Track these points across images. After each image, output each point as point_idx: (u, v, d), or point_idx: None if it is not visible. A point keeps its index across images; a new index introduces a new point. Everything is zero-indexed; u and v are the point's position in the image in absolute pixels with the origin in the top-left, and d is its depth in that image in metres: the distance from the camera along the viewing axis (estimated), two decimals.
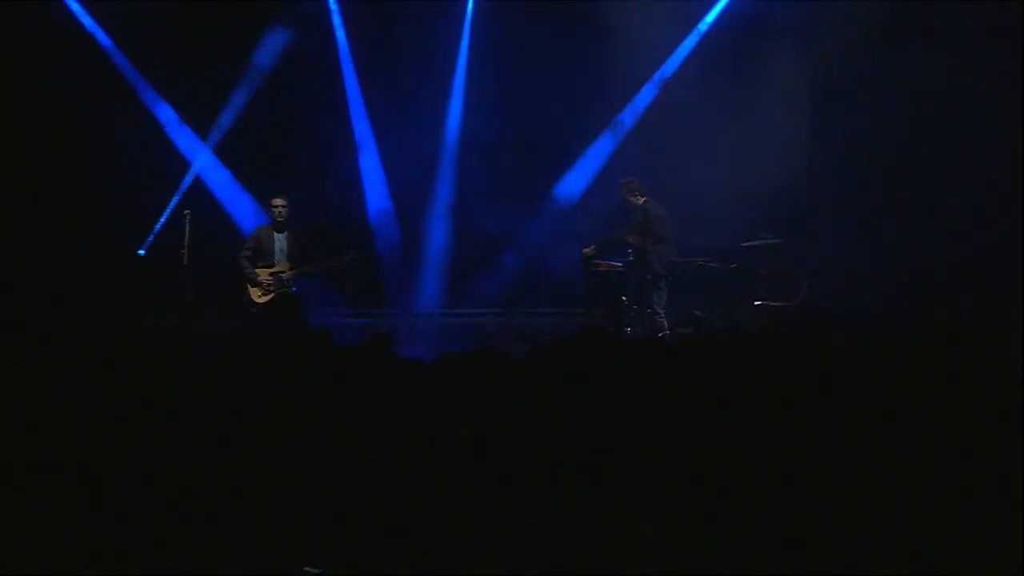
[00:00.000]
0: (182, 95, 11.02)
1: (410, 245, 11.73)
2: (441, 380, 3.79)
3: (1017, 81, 9.87)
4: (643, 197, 9.70)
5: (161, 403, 3.61)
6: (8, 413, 3.30)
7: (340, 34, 11.58)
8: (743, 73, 10.87)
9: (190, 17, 10.71)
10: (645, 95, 11.71)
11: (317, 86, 11.39)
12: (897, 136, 10.53)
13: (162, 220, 10.85)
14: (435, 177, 11.75)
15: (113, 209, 10.59)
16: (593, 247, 9.68)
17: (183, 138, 11.19)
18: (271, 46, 11.17)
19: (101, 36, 10.91)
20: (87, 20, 10.90)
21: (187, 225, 9.02)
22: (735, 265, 9.63)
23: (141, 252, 10.74)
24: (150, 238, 10.82)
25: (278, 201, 9.37)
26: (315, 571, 2.66)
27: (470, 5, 11.67)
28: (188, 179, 11.08)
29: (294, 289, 9.35)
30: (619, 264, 9.69)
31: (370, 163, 11.71)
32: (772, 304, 9.60)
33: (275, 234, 9.36)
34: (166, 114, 11.10)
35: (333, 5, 11.56)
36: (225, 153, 11.28)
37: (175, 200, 10.91)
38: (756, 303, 9.62)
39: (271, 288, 9.24)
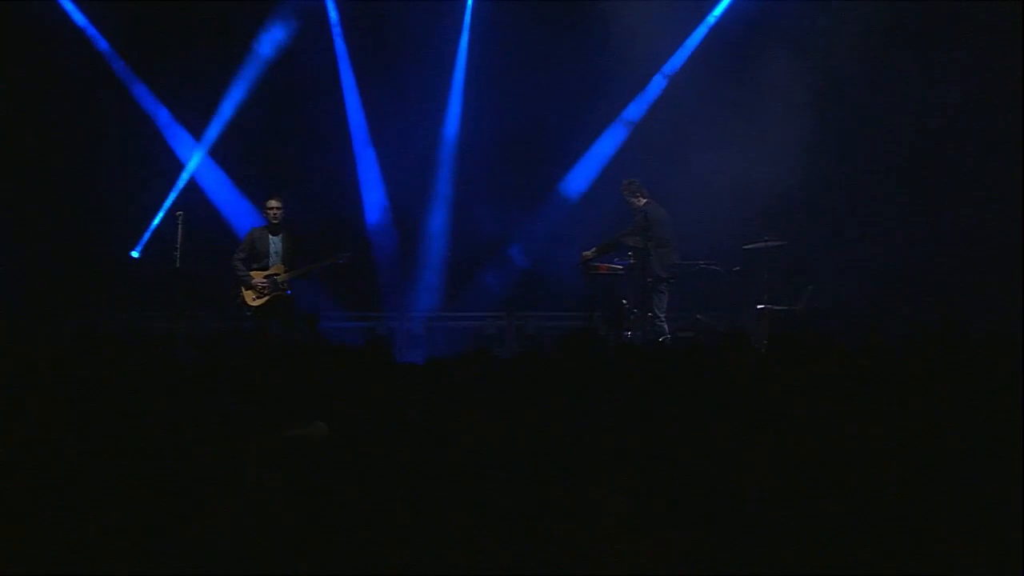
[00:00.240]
0: (177, 96, 10.91)
1: (408, 247, 11.64)
2: (429, 383, 3.73)
3: (1018, 82, 9.80)
4: (644, 199, 9.58)
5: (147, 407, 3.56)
6: None
7: (337, 34, 11.51)
8: (746, 75, 10.79)
9: (186, 17, 10.63)
10: (646, 96, 11.65)
11: (315, 86, 11.31)
12: (900, 138, 10.49)
13: (156, 221, 10.72)
14: (434, 178, 11.67)
15: (106, 210, 10.48)
16: (593, 249, 9.56)
17: (177, 139, 11.08)
18: (269, 45, 11.09)
19: (95, 36, 10.81)
20: (80, 18, 10.79)
21: (180, 227, 8.87)
22: (737, 268, 9.54)
23: (135, 254, 10.63)
24: (144, 240, 10.70)
25: (273, 203, 9.24)
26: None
27: (469, 5, 11.59)
28: (182, 180, 10.95)
29: (289, 292, 9.21)
30: (619, 267, 9.57)
31: (368, 164, 11.63)
32: (775, 308, 9.47)
33: (270, 236, 9.23)
34: (161, 115, 10.98)
35: (331, 4, 11.46)
36: (220, 154, 11.16)
37: (169, 201, 10.80)
38: (759, 306, 9.49)
39: (266, 291, 9.10)
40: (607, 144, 11.72)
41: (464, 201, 11.48)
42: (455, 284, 11.58)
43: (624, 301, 9.49)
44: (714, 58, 11.24)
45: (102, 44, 10.85)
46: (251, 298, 9.09)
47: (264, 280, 9.10)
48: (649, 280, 9.32)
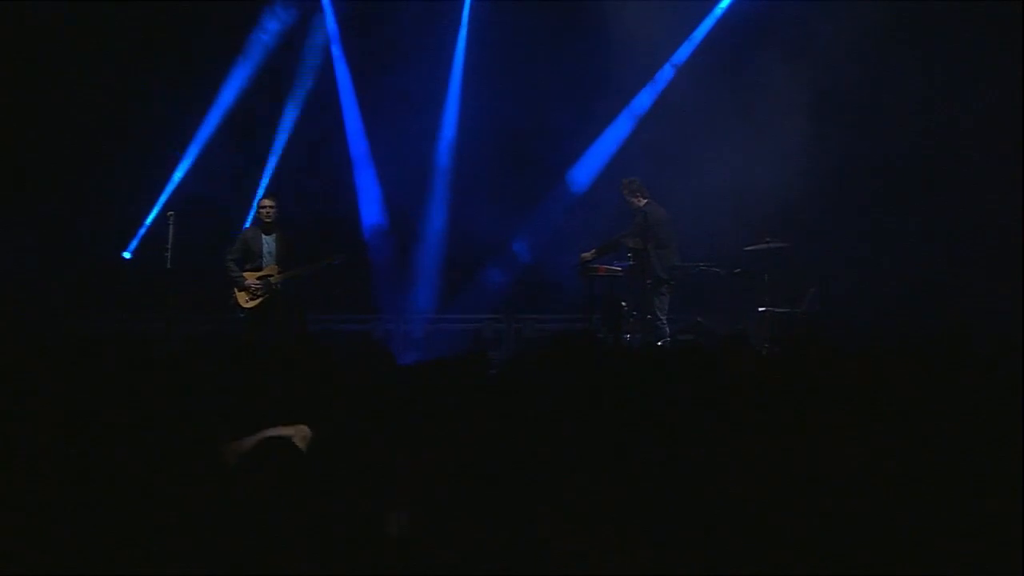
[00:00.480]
0: (170, 94, 10.78)
1: (405, 248, 11.52)
2: (416, 386, 3.64)
3: (1018, 83, 9.75)
4: (644, 199, 9.45)
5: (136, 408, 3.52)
6: None
7: (334, 33, 11.45)
8: (747, 75, 10.73)
9: (179, 15, 10.53)
10: (646, 96, 11.59)
11: (311, 87, 11.27)
12: (902, 139, 10.42)
13: (148, 222, 10.61)
14: (431, 178, 11.60)
15: (98, 211, 10.38)
16: (592, 251, 9.46)
17: (171, 137, 10.93)
18: (264, 45, 11.01)
19: (87, 34, 10.66)
20: (71, 17, 10.65)
21: (171, 227, 8.74)
22: (739, 270, 9.43)
23: (126, 255, 10.51)
24: (136, 240, 10.58)
25: (266, 202, 9.11)
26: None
27: (467, 4, 11.52)
28: (175, 180, 10.83)
29: (283, 293, 9.05)
30: (618, 268, 9.44)
31: (364, 164, 11.53)
32: (777, 310, 9.34)
33: (263, 236, 9.08)
34: (153, 113, 10.84)
35: (328, 4, 11.37)
36: (214, 153, 11.03)
37: (162, 201, 10.68)
38: (760, 309, 9.34)
39: (259, 292, 8.95)
40: (606, 144, 11.65)
41: (461, 202, 11.39)
42: (453, 285, 11.46)
43: (623, 303, 9.35)
44: (715, 58, 11.20)
45: (94, 42, 10.71)
46: (244, 300, 8.94)
47: (257, 281, 8.94)
48: (649, 282, 9.19)
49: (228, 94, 10.96)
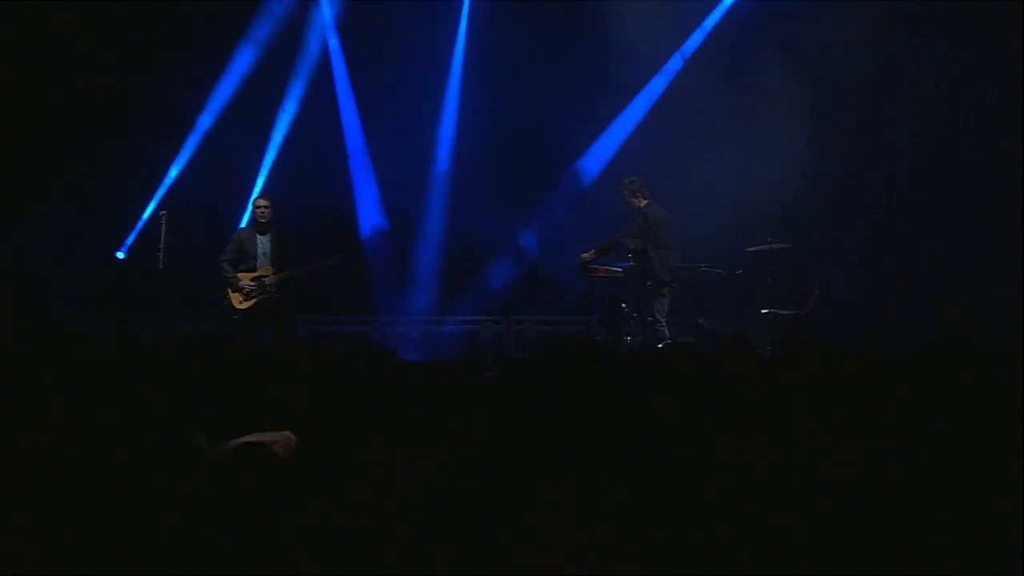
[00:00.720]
0: (166, 93, 10.70)
1: (403, 249, 11.47)
2: (408, 387, 3.64)
3: (1018, 83, 9.77)
4: (645, 199, 9.39)
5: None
6: None
7: (332, 33, 11.40)
8: (747, 75, 10.71)
9: (175, 15, 10.45)
10: (646, 96, 11.54)
11: (308, 88, 11.20)
12: (904, 140, 10.44)
13: (142, 222, 10.54)
14: (429, 179, 11.54)
15: (92, 211, 10.31)
16: (592, 251, 9.39)
17: (165, 136, 10.86)
18: (261, 45, 10.94)
19: (83, 34, 10.60)
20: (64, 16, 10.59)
21: (163, 227, 8.65)
22: (741, 271, 9.36)
23: (120, 255, 10.44)
24: (129, 240, 10.51)
25: (261, 202, 9.03)
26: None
27: (466, 4, 11.49)
28: (169, 179, 10.76)
29: (278, 294, 8.97)
30: (618, 269, 9.38)
31: (362, 165, 11.47)
32: (780, 312, 9.28)
33: (258, 236, 9.00)
34: (149, 113, 10.78)
35: (325, 4, 11.32)
36: (209, 154, 10.95)
37: (155, 201, 10.61)
38: (763, 311, 9.28)
39: (253, 293, 8.87)
40: (606, 145, 11.59)
41: (460, 202, 11.33)
42: (451, 287, 11.40)
43: (623, 305, 9.28)
44: (716, 59, 11.16)
45: (89, 43, 10.64)
46: (238, 301, 8.86)
47: (252, 282, 8.86)
48: (649, 283, 9.12)
49: (224, 93, 10.89)
